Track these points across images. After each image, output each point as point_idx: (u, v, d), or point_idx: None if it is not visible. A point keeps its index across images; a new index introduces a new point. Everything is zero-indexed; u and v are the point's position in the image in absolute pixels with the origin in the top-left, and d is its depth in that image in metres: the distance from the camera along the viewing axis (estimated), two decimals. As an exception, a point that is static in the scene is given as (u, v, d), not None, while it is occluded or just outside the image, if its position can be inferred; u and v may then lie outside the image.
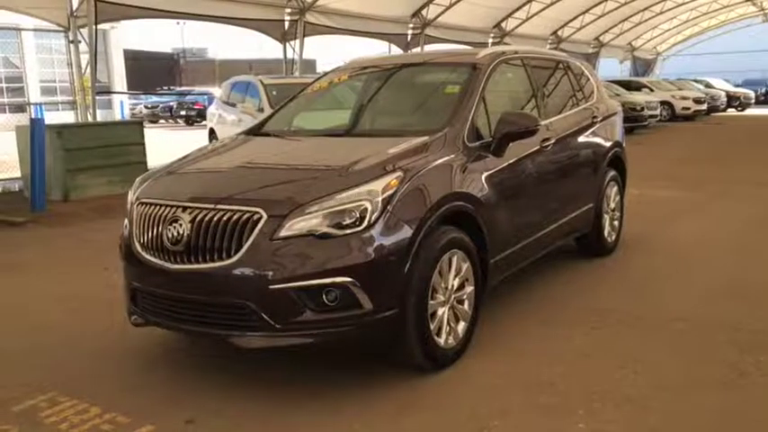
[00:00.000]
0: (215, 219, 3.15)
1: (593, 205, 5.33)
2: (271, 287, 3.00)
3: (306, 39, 16.33)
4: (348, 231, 3.07)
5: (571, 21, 26.23)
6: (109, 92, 28.27)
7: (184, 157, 4.11)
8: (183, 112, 31.99)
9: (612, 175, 5.66)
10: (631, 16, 29.02)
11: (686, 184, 9.77)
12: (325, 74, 5.08)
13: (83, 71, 11.93)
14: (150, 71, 49.14)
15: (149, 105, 34.43)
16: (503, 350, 3.78)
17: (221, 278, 3.09)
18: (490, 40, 23.10)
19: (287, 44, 16.12)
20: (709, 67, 38.92)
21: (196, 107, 30.91)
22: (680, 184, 9.76)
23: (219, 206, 3.18)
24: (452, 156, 3.66)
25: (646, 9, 28.67)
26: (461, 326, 3.61)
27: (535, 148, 4.38)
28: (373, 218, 3.10)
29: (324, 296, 3.03)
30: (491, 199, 3.81)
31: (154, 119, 33.46)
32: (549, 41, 26.86)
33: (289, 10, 15.67)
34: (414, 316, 3.23)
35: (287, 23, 15.77)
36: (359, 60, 5.05)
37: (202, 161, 3.99)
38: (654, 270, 5.29)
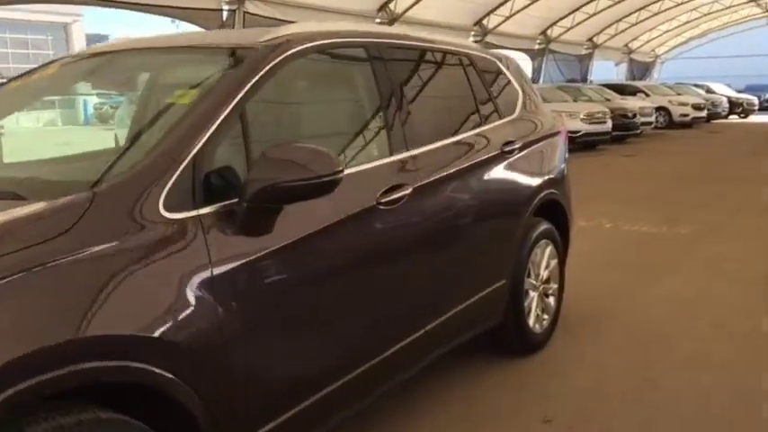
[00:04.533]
0: None
1: (505, 282, 3.35)
2: None
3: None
4: None
5: (561, 19, 24.22)
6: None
7: None
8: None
9: (544, 230, 3.68)
10: (627, 16, 26.99)
11: (675, 213, 7.78)
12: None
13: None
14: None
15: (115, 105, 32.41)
16: None
17: None
18: (471, 39, 21.12)
19: (227, 38, 14.12)
20: (710, 72, 36.86)
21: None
22: (667, 213, 7.77)
23: None
24: (110, 244, 1.68)
25: (642, 8, 26.64)
26: None
27: (365, 207, 2.40)
28: None
29: None
30: (221, 340, 1.85)
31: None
32: (538, 42, 24.92)
33: (226, -2, 13.71)
34: None
35: (225, 13, 13.78)
36: (92, 48, 3.01)
37: None
38: (609, 390, 3.30)
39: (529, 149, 3.58)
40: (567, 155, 4.09)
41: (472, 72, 3.43)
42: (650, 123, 19.75)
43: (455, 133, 3.11)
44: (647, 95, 22.69)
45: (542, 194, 3.63)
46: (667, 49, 35.62)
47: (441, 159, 2.89)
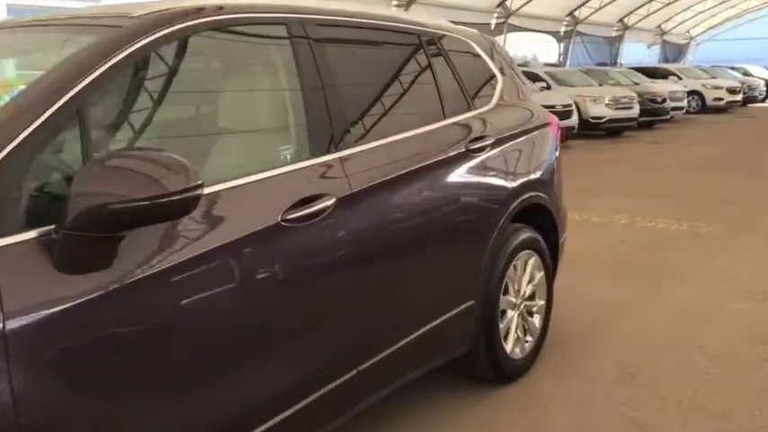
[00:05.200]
0: None
1: (473, 303, 2.84)
2: None
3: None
4: None
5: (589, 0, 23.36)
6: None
7: None
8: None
9: (525, 240, 3.15)
10: (660, -5, 26.00)
11: (699, 207, 7.14)
12: None
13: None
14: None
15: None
16: None
17: None
18: (493, 21, 20.42)
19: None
20: (749, 54, 35.34)
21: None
22: (690, 207, 7.14)
23: None
24: None
25: (676, -13, 25.64)
26: None
27: (262, 226, 1.90)
28: None
29: None
30: (19, 421, 1.38)
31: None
32: (565, 23, 24.09)
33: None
34: None
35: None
36: None
37: None
38: None
39: (506, 145, 3.05)
40: (558, 151, 3.54)
41: (435, 55, 2.89)
42: (681, 108, 18.84)
43: (405, 129, 2.58)
44: (680, 79, 21.73)
45: (523, 198, 3.10)
46: (702, 30, 34.35)
47: (382, 161, 2.38)
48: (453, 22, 3.32)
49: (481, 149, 2.87)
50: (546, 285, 3.40)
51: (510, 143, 3.08)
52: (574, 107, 13.65)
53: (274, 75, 2.25)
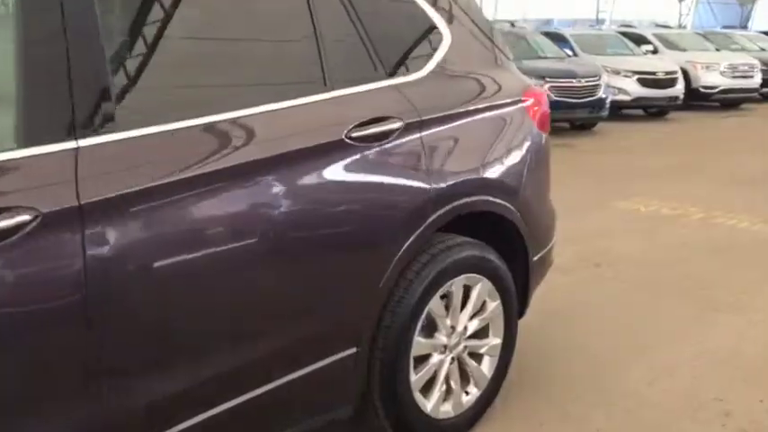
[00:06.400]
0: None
1: (354, 352, 2.02)
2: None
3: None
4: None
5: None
6: None
7: None
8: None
9: (464, 259, 2.25)
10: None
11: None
12: None
13: None
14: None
15: None
16: None
17: None
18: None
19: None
20: None
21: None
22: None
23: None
24: None
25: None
26: None
27: None
28: None
29: None
30: None
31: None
32: (689, -20, 21.70)
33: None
34: None
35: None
36: None
37: None
38: None
39: (432, 130, 2.15)
40: (541, 139, 2.59)
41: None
42: (814, 77, 16.46)
43: (229, 107, 1.74)
44: (821, 44, 19.05)
45: (457, 204, 2.21)
46: None
47: (167, 154, 1.60)
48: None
49: (380, 137, 2.01)
50: (504, 319, 2.51)
51: (441, 127, 2.19)
52: (679, 74, 12.03)
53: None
